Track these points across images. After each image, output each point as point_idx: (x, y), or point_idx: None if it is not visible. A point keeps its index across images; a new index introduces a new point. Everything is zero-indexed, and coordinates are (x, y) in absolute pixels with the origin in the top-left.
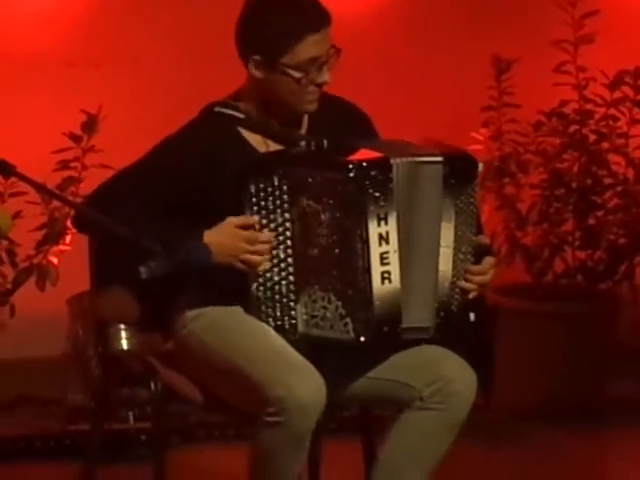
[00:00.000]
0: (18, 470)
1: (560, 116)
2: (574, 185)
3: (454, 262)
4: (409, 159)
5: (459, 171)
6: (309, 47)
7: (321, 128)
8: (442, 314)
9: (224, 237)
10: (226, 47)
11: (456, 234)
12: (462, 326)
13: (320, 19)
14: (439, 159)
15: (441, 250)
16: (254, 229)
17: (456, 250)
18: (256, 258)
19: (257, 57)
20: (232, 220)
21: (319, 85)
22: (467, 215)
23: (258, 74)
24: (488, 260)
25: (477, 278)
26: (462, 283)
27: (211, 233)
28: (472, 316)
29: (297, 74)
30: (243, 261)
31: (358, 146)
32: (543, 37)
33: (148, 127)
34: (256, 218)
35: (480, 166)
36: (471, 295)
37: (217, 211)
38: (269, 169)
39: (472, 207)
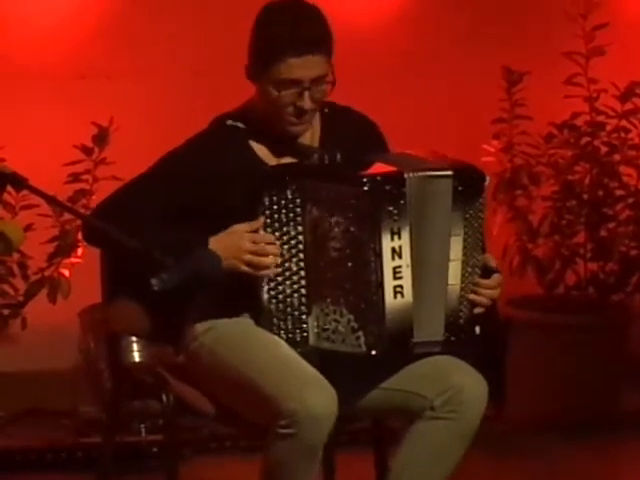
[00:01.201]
0: None
1: (571, 128)
2: (585, 197)
3: (462, 275)
4: (420, 173)
5: (468, 185)
6: (289, 69)
7: (333, 140)
8: (451, 328)
9: (228, 240)
10: (239, 60)
11: (465, 247)
12: (469, 339)
13: (307, 45)
14: (449, 173)
15: (450, 264)
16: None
17: (464, 264)
18: (261, 259)
19: (249, 64)
20: (239, 226)
21: (299, 109)
22: (475, 229)
23: (252, 82)
24: (496, 277)
25: (486, 292)
26: (471, 296)
27: (216, 239)
28: (477, 329)
29: (273, 91)
30: (247, 263)
31: (371, 160)
32: (554, 49)
33: (160, 139)
34: (262, 219)
35: (487, 179)
36: (478, 310)
37: (225, 223)
38: (283, 182)
39: (480, 221)
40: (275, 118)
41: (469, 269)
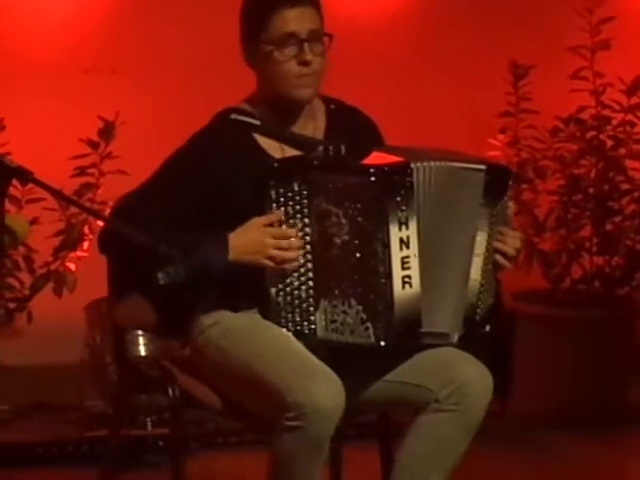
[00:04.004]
0: (36, 477)
1: (577, 122)
2: (591, 191)
3: (483, 272)
4: (452, 164)
5: (498, 181)
6: (284, 21)
7: (338, 135)
8: (467, 323)
9: (250, 235)
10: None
11: (489, 244)
12: (481, 336)
13: None
14: (482, 167)
15: (474, 259)
16: (279, 225)
17: (486, 260)
18: (284, 254)
19: (245, 45)
20: (257, 219)
21: (302, 64)
22: (500, 226)
23: (252, 65)
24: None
25: (512, 241)
26: (497, 244)
27: (236, 234)
28: (488, 327)
29: (274, 52)
30: (270, 257)
31: (376, 151)
32: (560, 43)
33: (165, 133)
34: (281, 213)
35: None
36: (503, 262)
37: (236, 217)
38: (289, 174)
39: (505, 218)
40: (280, 86)
41: (490, 266)
